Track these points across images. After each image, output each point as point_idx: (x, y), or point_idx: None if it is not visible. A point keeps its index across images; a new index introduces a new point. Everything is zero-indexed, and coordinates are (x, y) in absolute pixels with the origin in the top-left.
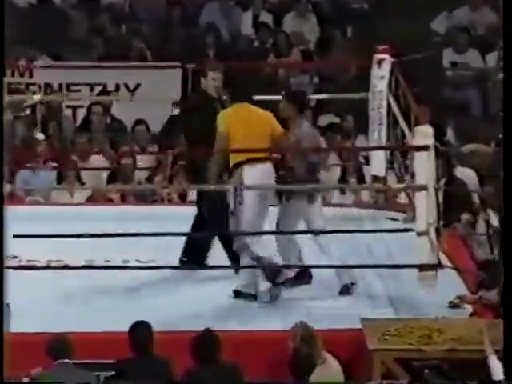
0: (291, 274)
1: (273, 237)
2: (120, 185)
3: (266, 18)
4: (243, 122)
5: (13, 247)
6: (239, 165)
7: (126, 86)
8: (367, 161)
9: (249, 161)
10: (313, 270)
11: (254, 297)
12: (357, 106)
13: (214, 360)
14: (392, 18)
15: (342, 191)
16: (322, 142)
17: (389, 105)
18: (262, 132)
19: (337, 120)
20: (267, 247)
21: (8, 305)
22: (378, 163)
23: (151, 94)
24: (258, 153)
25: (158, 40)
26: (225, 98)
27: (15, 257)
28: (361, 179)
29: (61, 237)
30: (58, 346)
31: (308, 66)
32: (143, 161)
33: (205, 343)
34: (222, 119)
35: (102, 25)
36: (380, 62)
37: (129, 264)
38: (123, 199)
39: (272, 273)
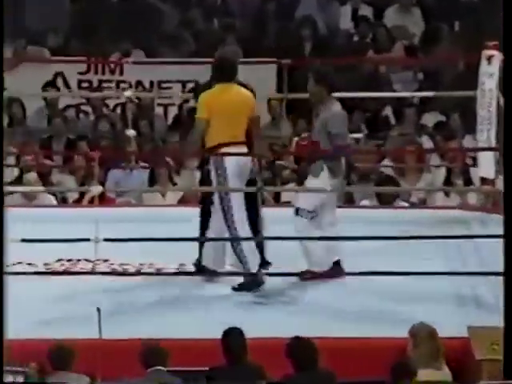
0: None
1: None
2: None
3: (366, 11)
4: (227, 103)
5: (104, 250)
6: (220, 147)
7: None
8: (475, 162)
9: (230, 144)
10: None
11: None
12: (463, 104)
13: (312, 367)
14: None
15: (447, 194)
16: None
17: (498, 104)
18: (244, 113)
19: (442, 118)
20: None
21: (99, 309)
22: (486, 165)
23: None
24: (237, 136)
25: (251, 35)
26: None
27: (106, 260)
28: (468, 181)
29: (150, 240)
30: (151, 352)
31: (410, 62)
32: None
33: (303, 350)
34: (202, 102)
35: (194, 19)
36: (489, 58)
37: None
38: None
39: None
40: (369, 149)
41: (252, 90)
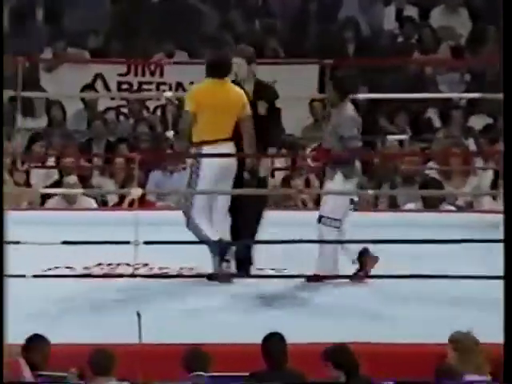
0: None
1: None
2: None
3: (411, 11)
4: (215, 99)
5: (144, 254)
6: (204, 143)
7: None
8: None
9: (215, 141)
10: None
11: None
12: None
13: (354, 373)
14: None
15: (494, 197)
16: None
17: None
18: (232, 111)
19: (490, 121)
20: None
21: (139, 314)
22: None
23: (286, 93)
24: (223, 133)
25: (292, 36)
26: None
27: (146, 264)
28: None
29: (190, 243)
30: (194, 357)
31: (457, 64)
32: (280, 163)
33: (343, 356)
34: (191, 95)
35: (234, 20)
36: None
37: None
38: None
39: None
40: (413, 151)
41: (273, 90)
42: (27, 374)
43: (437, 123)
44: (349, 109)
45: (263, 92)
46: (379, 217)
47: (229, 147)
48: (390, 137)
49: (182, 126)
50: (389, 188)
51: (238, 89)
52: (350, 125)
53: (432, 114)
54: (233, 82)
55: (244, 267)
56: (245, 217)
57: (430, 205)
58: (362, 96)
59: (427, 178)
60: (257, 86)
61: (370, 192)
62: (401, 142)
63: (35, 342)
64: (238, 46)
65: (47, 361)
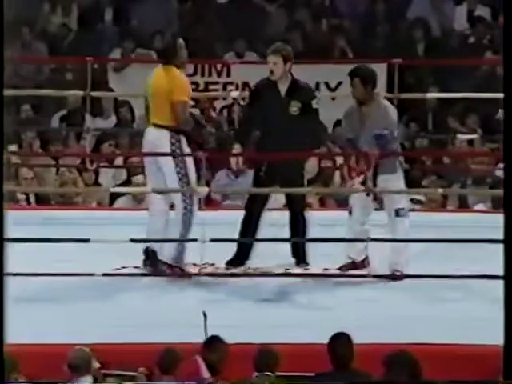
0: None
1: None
2: (319, 188)
3: (483, 11)
4: (150, 85)
5: (211, 254)
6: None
7: (327, 84)
8: None
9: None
10: None
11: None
12: None
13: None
14: None
15: None
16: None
17: None
18: (164, 96)
19: None
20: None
21: (204, 314)
22: None
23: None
24: (160, 119)
25: (360, 36)
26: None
27: (212, 264)
28: None
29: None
30: (263, 357)
31: None
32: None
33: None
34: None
35: (302, 20)
36: None
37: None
38: (322, 204)
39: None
40: (484, 151)
41: (309, 90)
42: (205, 374)
43: None
44: (384, 105)
45: (298, 92)
46: (448, 217)
47: (159, 133)
48: (460, 136)
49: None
50: (459, 188)
51: (172, 74)
52: (390, 121)
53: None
54: (267, 80)
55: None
56: None
57: (500, 205)
58: (431, 95)
59: (498, 178)
60: (292, 85)
61: (440, 191)
62: (471, 142)
63: (213, 343)
64: (275, 44)
65: (225, 362)
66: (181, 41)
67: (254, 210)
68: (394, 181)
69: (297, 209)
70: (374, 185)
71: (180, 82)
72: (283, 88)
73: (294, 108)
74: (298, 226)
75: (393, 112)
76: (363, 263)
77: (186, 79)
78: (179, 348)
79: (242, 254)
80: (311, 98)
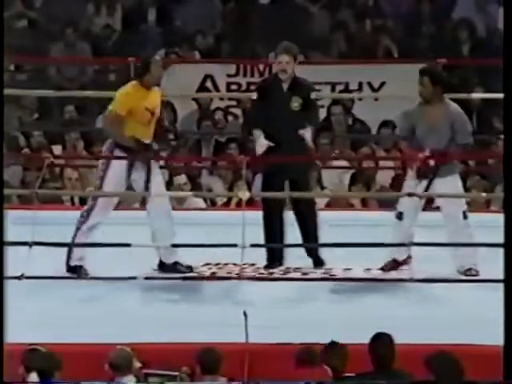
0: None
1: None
2: (361, 189)
3: None
4: None
5: (252, 253)
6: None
7: (370, 84)
8: None
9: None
10: None
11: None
12: None
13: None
14: None
15: None
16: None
17: None
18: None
19: None
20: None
21: (245, 314)
22: None
23: (397, 93)
24: None
25: (404, 36)
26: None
27: (252, 264)
28: None
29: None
30: (305, 356)
31: None
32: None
33: (448, 363)
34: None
35: (345, 20)
36: None
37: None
38: (364, 204)
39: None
40: None
41: (308, 86)
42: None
43: None
44: (451, 102)
45: (298, 87)
46: (491, 218)
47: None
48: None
49: None
50: (502, 189)
51: (122, 89)
52: (467, 124)
53: None
54: (274, 77)
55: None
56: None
57: None
58: (476, 96)
59: None
60: (292, 81)
61: (483, 195)
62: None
63: (335, 347)
64: (284, 43)
65: (346, 364)
66: (156, 58)
67: (272, 210)
68: (451, 183)
69: (303, 209)
70: (428, 187)
71: (120, 96)
72: (285, 85)
73: (296, 104)
74: (307, 226)
75: (467, 120)
76: (405, 261)
77: (137, 95)
78: (219, 348)
79: (275, 257)
80: (310, 92)
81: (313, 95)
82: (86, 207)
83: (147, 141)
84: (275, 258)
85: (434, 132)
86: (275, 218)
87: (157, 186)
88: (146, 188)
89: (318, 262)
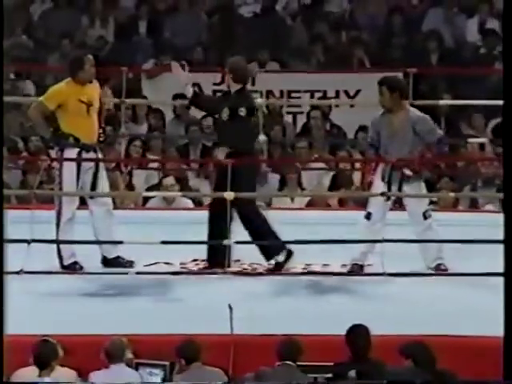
0: None
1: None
2: (341, 190)
3: (494, 24)
4: None
5: (237, 251)
6: None
7: (346, 92)
8: None
9: None
10: None
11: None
12: None
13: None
14: None
15: None
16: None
17: None
18: None
19: None
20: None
21: (230, 307)
22: None
23: (372, 100)
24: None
25: (377, 47)
26: None
27: (237, 260)
28: None
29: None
30: (286, 347)
31: None
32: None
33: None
34: None
35: (322, 33)
36: None
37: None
38: (341, 204)
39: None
40: (494, 154)
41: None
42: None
43: None
44: (411, 108)
45: (231, 100)
46: (459, 217)
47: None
48: (470, 140)
49: None
50: (470, 190)
51: (55, 86)
52: (429, 123)
53: None
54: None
55: None
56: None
57: None
58: (444, 102)
59: None
60: (234, 93)
61: (452, 195)
62: (482, 146)
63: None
64: (233, 60)
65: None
66: (89, 57)
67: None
68: (416, 185)
69: (244, 210)
70: (399, 189)
71: (52, 91)
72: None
73: (225, 114)
74: (253, 225)
75: (429, 119)
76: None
77: (71, 90)
78: (206, 339)
79: (270, 251)
80: (240, 105)
81: (241, 108)
82: (56, 208)
83: (90, 133)
84: (218, 257)
85: (396, 139)
86: (220, 218)
87: (101, 187)
88: (93, 187)
89: (269, 257)
